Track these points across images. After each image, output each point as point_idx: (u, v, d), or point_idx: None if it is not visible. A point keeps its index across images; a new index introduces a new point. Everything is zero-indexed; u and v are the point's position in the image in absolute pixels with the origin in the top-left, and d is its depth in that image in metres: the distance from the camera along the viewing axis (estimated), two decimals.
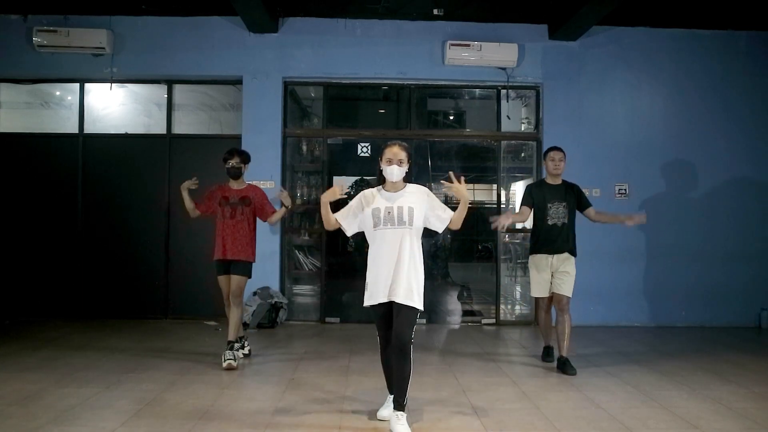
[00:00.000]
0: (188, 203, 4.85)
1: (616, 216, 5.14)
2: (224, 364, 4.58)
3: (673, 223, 6.80)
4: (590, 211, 4.81)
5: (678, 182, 6.83)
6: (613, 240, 6.66)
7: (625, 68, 6.89)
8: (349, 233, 3.46)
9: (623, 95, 6.91)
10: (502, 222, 4.51)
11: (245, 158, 4.90)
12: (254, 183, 5.05)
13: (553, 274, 4.75)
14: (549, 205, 4.74)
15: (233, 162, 4.81)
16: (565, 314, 4.69)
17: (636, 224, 4.93)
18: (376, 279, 3.31)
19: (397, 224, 3.28)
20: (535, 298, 5.04)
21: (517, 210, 5.05)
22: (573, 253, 4.76)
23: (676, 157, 6.84)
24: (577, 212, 4.83)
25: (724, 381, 4.42)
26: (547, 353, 5.03)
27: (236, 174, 4.86)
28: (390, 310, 3.31)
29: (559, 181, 4.84)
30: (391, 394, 3.40)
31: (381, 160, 3.39)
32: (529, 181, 7.46)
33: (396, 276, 3.25)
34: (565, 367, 4.59)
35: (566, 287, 4.69)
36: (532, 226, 4.92)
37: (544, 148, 6.76)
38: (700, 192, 6.86)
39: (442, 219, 3.39)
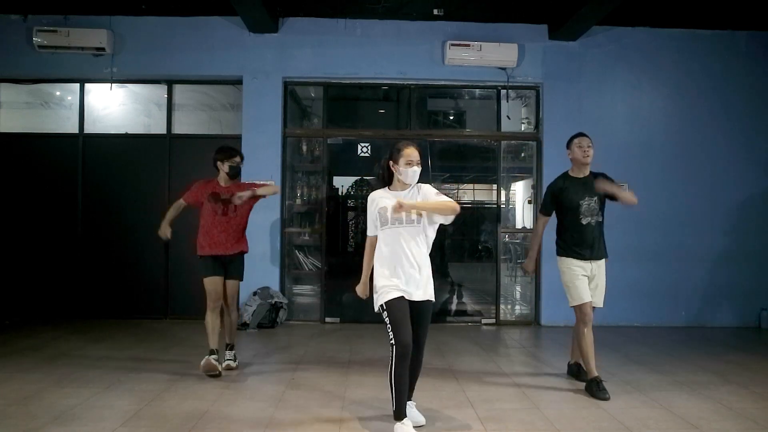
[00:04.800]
0: (175, 212, 4.69)
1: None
2: (223, 365, 4.57)
3: (673, 223, 6.80)
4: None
5: (678, 182, 6.83)
6: (612, 240, 6.56)
7: (625, 68, 6.89)
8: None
9: (623, 95, 6.91)
10: (530, 267, 4.42)
11: (242, 155, 4.77)
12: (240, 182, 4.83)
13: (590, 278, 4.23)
14: (581, 202, 4.16)
15: (237, 160, 4.63)
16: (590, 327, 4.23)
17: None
18: (391, 277, 3.22)
19: (405, 222, 3.25)
20: (578, 306, 4.19)
21: (529, 223, 4.47)
22: (607, 256, 4.30)
23: (676, 157, 6.84)
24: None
25: (724, 381, 4.42)
26: (579, 371, 4.40)
27: (237, 173, 4.69)
28: (408, 309, 3.24)
29: (586, 173, 4.26)
30: (398, 419, 3.15)
31: (396, 163, 3.30)
32: (529, 182, 7.46)
33: (412, 273, 3.22)
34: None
35: (601, 298, 4.26)
36: (558, 225, 4.33)
37: (545, 148, 6.82)
38: (700, 192, 6.85)
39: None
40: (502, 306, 7.01)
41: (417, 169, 3.30)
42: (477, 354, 5.34)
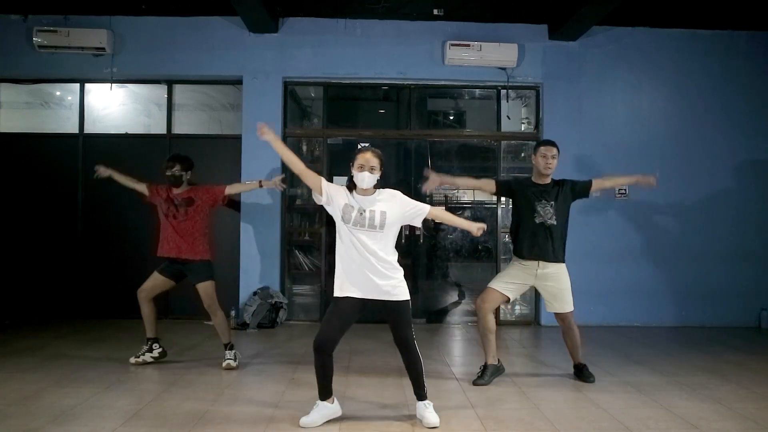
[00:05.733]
0: (134, 184, 4.82)
1: (621, 177, 4.66)
2: (224, 364, 4.59)
3: (673, 222, 6.81)
4: (596, 183, 4.42)
5: (678, 182, 6.82)
6: (612, 239, 6.68)
7: (625, 68, 6.89)
8: (321, 201, 3.37)
9: (623, 95, 6.91)
10: (431, 184, 4.27)
11: (187, 165, 4.64)
12: (200, 185, 4.78)
13: (540, 288, 4.33)
14: (536, 202, 4.24)
15: (174, 170, 4.58)
16: (573, 328, 4.33)
17: (645, 185, 4.52)
18: (348, 275, 3.31)
19: (367, 227, 3.28)
20: (489, 288, 4.33)
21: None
22: (562, 260, 4.29)
23: (676, 158, 6.84)
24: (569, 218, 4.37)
25: (724, 381, 4.41)
26: (485, 372, 4.31)
27: (176, 182, 4.62)
28: (359, 309, 3.34)
29: (547, 181, 4.34)
30: (321, 399, 3.36)
31: (352, 165, 3.33)
32: None
33: (373, 276, 3.27)
34: (582, 374, 4.39)
35: (567, 304, 4.28)
36: (513, 227, 4.40)
37: None
38: (700, 192, 6.86)
39: (418, 213, 3.40)
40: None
41: (368, 175, 3.28)
42: (477, 354, 5.33)
